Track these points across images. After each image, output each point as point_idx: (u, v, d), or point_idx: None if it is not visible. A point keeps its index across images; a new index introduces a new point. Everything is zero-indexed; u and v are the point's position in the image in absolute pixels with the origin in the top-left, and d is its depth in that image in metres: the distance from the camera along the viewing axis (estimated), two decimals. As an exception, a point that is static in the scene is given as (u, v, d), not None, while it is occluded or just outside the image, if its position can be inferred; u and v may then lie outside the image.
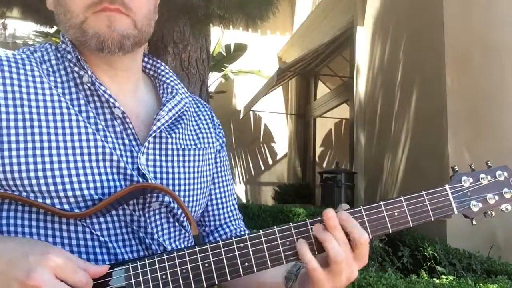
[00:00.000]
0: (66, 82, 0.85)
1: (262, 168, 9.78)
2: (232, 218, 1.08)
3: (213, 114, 1.09)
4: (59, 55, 0.89)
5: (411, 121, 5.27)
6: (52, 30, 7.60)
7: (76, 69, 0.85)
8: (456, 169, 0.91)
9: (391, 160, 5.65)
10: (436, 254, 3.54)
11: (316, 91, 9.37)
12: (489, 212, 0.88)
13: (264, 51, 9.60)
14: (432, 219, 0.85)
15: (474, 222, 0.89)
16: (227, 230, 1.06)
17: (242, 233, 1.06)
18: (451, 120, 4.60)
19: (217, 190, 1.06)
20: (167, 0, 3.60)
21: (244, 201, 8.58)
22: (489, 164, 0.92)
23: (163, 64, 1.02)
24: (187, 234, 0.94)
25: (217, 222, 1.06)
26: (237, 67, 9.05)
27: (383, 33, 6.12)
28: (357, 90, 6.74)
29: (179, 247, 0.92)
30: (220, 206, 1.06)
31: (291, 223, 0.81)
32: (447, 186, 0.89)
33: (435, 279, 3.08)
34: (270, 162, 9.86)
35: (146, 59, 1.02)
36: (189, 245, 0.94)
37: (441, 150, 4.64)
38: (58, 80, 0.85)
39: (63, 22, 0.85)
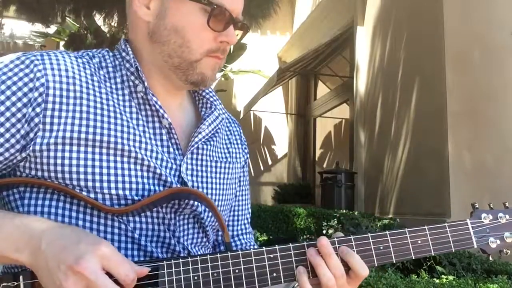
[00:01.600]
0: (121, 90, 0.92)
1: (262, 168, 9.78)
2: (244, 231, 1.13)
3: (241, 131, 1.18)
4: (116, 62, 0.95)
5: (411, 121, 5.27)
6: (52, 31, 7.60)
7: (132, 78, 0.92)
8: (477, 206, 0.96)
9: (391, 160, 5.65)
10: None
11: (316, 91, 9.37)
12: (505, 250, 0.95)
13: (264, 51, 9.59)
14: (453, 250, 0.91)
15: (490, 258, 0.96)
16: (238, 243, 1.10)
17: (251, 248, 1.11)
18: (451, 120, 4.60)
19: (235, 203, 1.11)
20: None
21: (244, 201, 8.56)
22: (507, 205, 0.98)
23: None
24: (207, 243, 1.00)
25: (230, 233, 1.10)
26: (237, 67, 9.05)
27: (383, 33, 6.12)
28: (357, 90, 6.74)
29: (199, 252, 0.97)
30: (235, 218, 1.11)
31: (305, 242, 0.86)
32: (468, 221, 0.94)
33: (435, 279, 3.08)
34: (270, 162, 9.86)
35: None
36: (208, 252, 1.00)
37: (441, 150, 4.64)
38: (113, 86, 0.92)
39: (170, 48, 0.91)
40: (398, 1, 5.86)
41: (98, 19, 5.87)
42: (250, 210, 1.16)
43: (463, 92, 4.66)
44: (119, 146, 0.86)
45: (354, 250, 0.85)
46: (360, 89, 6.65)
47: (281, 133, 9.88)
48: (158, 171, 0.88)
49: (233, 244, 1.09)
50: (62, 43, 7.83)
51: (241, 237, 1.11)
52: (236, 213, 1.11)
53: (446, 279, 3.09)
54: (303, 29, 8.74)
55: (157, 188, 0.88)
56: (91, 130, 0.84)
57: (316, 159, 9.33)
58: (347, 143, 7.76)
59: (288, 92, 9.90)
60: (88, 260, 0.70)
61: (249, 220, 1.15)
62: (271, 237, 4.75)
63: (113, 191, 0.84)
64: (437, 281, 2.99)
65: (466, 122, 4.63)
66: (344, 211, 5.32)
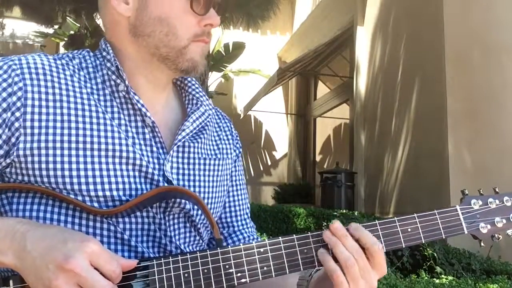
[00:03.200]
0: (102, 90, 0.91)
1: (262, 168, 9.79)
2: (245, 226, 1.12)
3: (232, 126, 1.15)
4: (97, 62, 0.94)
5: (411, 121, 5.27)
6: (52, 31, 7.61)
7: (114, 77, 0.91)
8: (466, 192, 0.96)
9: (391, 160, 5.66)
10: (435, 254, 3.54)
11: (316, 91, 9.37)
12: (496, 235, 0.94)
13: (264, 51, 9.60)
14: (443, 237, 0.91)
15: (482, 244, 0.94)
16: (240, 237, 1.09)
17: (255, 241, 1.09)
18: (451, 120, 4.60)
19: (231, 198, 1.10)
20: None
21: (244, 201, 8.56)
22: (497, 190, 0.97)
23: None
24: (201, 241, 0.99)
25: (231, 229, 1.09)
26: (237, 67, 9.05)
27: (383, 33, 6.12)
28: (357, 90, 6.74)
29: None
30: (233, 213, 1.10)
31: (309, 232, 0.86)
32: (458, 207, 0.94)
33: (435, 279, 3.08)
34: (270, 162, 9.86)
35: None
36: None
37: (441, 150, 4.64)
38: (94, 87, 0.90)
39: (157, 39, 0.91)
40: (398, 1, 5.86)
41: (99, 19, 5.88)
42: (248, 205, 1.15)
43: (463, 92, 4.66)
44: (103, 146, 0.85)
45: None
46: (360, 89, 6.65)
47: (281, 133, 9.88)
48: (144, 169, 0.87)
49: (235, 238, 1.08)
50: (62, 43, 7.84)
51: (243, 231, 1.10)
52: (233, 208, 1.10)
53: (446, 279, 3.09)
54: (303, 29, 8.74)
55: (143, 186, 0.87)
56: (73, 132, 0.84)
57: (316, 159, 9.33)
58: (347, 143, 7.77)
59: (288, 92, 9.90)
60: (78, 257, 0.70)
61: (249, 214, 1.14)
62: (271, 237, 4.74)
63: (100, 193, 0.83)
64: (437, 281, 2.99)
65: (466, 122, 4.63)
66: (344, 211, 5.32)
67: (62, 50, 7.99)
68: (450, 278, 3.13)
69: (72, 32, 7.07)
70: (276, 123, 9.85)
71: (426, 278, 3.15)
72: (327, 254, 0.82)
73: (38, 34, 8.23)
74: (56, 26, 7.11)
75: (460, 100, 4.65)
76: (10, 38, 8.48)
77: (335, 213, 4.90)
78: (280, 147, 9.86)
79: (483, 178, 4.48)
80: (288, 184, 8.94)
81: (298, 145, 9.40)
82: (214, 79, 8.65)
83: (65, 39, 7.18)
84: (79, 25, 6.75)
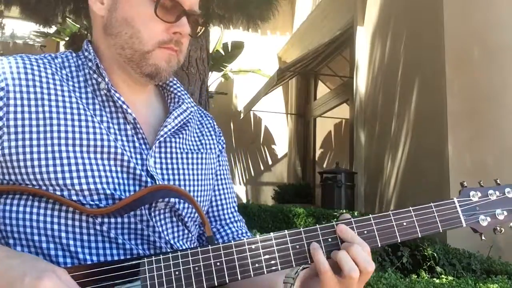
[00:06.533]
0: (84, 88, 0.93)
1: (262, 168, 9.78)
2: (233, 220, 1.12)
3: (215, 123, 1.17)
4: (80, 62, 0.96)
5: (411, 121, 5.27)
6: (52, 30, 7.60)
7: (95, 76, 0.93)
8: (465, 184, 0.92)
9: (391, 160, 5.66)
10: (435, 254, 3.54)
11: (316, 91, 9.37)
12: (498, 228, 0.89)
13: (264, 51, 9.59)
14: (441, 230, 0.87)
15: (483, 237, 0.90)
16: (228, 231, 1.09)
17: (245, 235, 1.10)
18: (451, 120, 4.59)
19: (217, 192, 1.11)
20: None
21: (244, 201, 8.57)
22: (498, 181, 0.94)
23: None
24: (190, 235, 0.98)
25: (218, 223, 1.10)
26: (237, 66, 9.05)
27: (383, 33, 6.12)
28: (357, 90, 6.74)
29: (183, 246, 0.96)
30: (220, 207, 1.10)
31: (301, 228, 0.85)
32: (455, 199, 0.91)
33: (435, 279, 3.08)
34: (270, 162, 9.85)
35: None
36: (192, 245, 0.98)
37: (441, 150, 4.64)
38: (76, 85, 0.93)
39: (122, 40, 0.93)
40: (398, 1, 5.86)
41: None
42: (235, 199, 1.16)
43: (463, 92, 4.66)
44: (85, 142, 0.86)
45: (337, 236, 0.84)
46: (360, 89, 6.65)
47: (281, 133, 9.88)
48: (125, 164, 0.89)
49: (223, 233, 1.09)
50: (62, 43, 7.84)
51: (231, 225, 1.10)
52: (220, 202, 1.11)
53: (446, 279, 3.09)
54: (303, 29, 8.74)
55: (126, 181, 0.89)
56: (55, 128, 0.85)
57: (316, 159, 9.33)
58: (347, 143, 7.76)
59: (288, 92, 9.90)
60: None
61: (236, 208, 1.15)
62: (264, 233, 4.74)
63: (84, 186, 0.84)
64: (437, 281, 2.99)
65: (466, 122, 4.63)
66: (344, 211, 5.32)
67: (62, 49, 7.99)
68: (450, 278, 3.13)
69: (72, 32, 7.07)
70: (276, 123, 9.84)
71: (426, 278, 3.15)
72: (320, 250, 0.82)
73: (38, 34, 8.22)
74: (56, 27, 7.11)
75: (460, 100, 4.64)
76: (10, 38, 8.48)
77: (335, 213, 4.90)
78: (280, 147, 9.85)
79: (483, 178, 4.45)
80: (288, 184, 8.94)
81: (298, 145, 9.40)
82: (214, 79, 8.65)
83: (66, 39, 7.18)
84: (79, 26, 6.74)
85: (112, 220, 0.86)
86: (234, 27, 3.86)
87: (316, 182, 8.34)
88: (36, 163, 0.83)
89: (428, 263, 3.47)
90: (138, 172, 0.89)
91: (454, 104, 4.62)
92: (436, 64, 4.83)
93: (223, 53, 8.49)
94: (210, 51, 4.64)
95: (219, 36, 8.47)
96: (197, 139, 1.08)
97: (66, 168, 0.84)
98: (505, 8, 4.85)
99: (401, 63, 5.58)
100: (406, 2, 5.66)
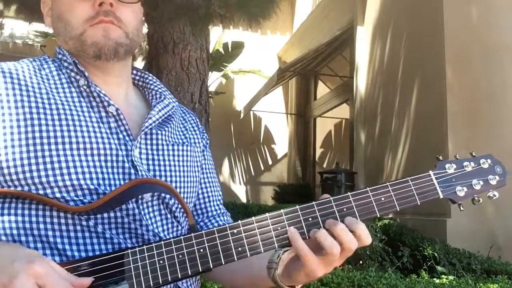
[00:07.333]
0: (68, 88, 0.95)
1: (262, 168, 9.78)
2: (219, 212, 1.14)
3: (197, 120, 1.19)
4: (56, 64, 0.99)
5: (411, 121, 5.27)
6: (52, 30, 7.61)
7: (73, 74, 0.95)
8: (440, 158, 0.94)
9: (391, 160, 5.65)
10: (436, 254, 3.54)
11: (316, 91, 9.37)
12: (476, 198, 0.91)
13: (264, 51, 9.59)
14: (419, 203, 0.89)
15: (462, 208, 0.91)
16: (215, 224, 1.10)
17: None
18: (451, 120, 4.60)
19: (203, 185, 1.13)
20: (167, 0, 3.60)
21: (244, 201, 8.56)
22: (473, 154, 0.95)
23: (150, 75, 1.13)
24: (179, 227, 0.99)
25: (205, 215, 1.12)
26: (237, 66, 9.05)
27: (383, 33, 6.12)
28: (357, 90, 6.74)
29: None
30: (207, 200, 1.13)
31: (282, 210, 0.87)
32: (431, 172, 0.93)
33: (435, 279, 3.08)
34: (270, 162, 9.85)
35: (135, 72, 1.12)
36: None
37: (441, 150, 4.64)
38: (59, 85, 0.95)
39: (62, 35, 0.97)
40: (398, 1, 5.86)
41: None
42: (221, 193, 1.18)
43: (463, 92, 4.66)
44: (66, 140, 0.87)
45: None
46: (360, 89, 6.65)
47: (281, 133, 9.88)
48: (109, 158, 0.90)
49: (211, 227, 1.08)
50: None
51: (218, 218, 1.12)
52: (206, 195, 1.12)
53: (446, 279, 3.09)
54: (303, 29, 8.74)
55: (111, 176, 0.89)
56: (36, 128, 0.86)
57: (316, 159, 9.33)
58: (347, 143, 7.76)
59: (288, 92, 9.90)
60: (22, 278, 0.69)
61: (222, 202, 1.17)
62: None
63: (68, 182, 0.85)
64: (437, 281, 2.99)
65: (466, 122, 4.63)
66: (344, 211, 5.31)
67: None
68: (450, 278, 3.13)
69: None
70: (276, 123, 9.84)
71: (426, 278, 3.15)
72: (297, 235, 0.83)
73: (38, 34, 8.22)
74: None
75: (460, 100, 4.65)
76: (10, 38, 8.47)
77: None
78: (280, 147, 9.85)
79: (483, 178, 4.48)
80: (288, 184, 8.94)
81: (298, 145, 9.40)
82: (214, 79, 8.65)
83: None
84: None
85: (98, 215, 0.87)
86: (235, 27, 3.86)
87: (316, 182, 8.35)
88: (18, 162, 0.84)
89: (429, 263, 3.47)
90: (122, 164, 0.91)
91: (454, 104, 4.62)
92: (436, 64, 4.83)
93: (223, 53, 8.49)
94: (210, 51, 4.64)
95: (219, 36, 8.47)
96: (181, 133, 1.09)
97: (48, 166, 0.84)
98: (505, 8, 4.85)
99: (401, 63, 5.58)
100: (406, 2, 5.66)
